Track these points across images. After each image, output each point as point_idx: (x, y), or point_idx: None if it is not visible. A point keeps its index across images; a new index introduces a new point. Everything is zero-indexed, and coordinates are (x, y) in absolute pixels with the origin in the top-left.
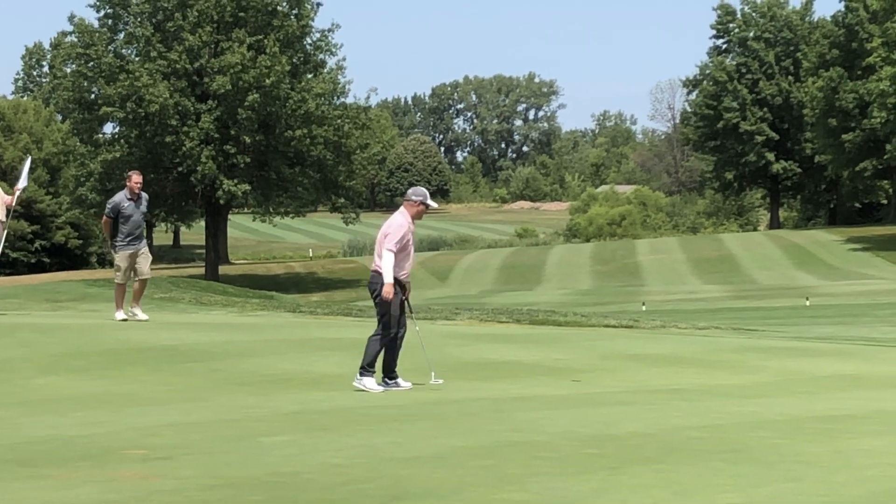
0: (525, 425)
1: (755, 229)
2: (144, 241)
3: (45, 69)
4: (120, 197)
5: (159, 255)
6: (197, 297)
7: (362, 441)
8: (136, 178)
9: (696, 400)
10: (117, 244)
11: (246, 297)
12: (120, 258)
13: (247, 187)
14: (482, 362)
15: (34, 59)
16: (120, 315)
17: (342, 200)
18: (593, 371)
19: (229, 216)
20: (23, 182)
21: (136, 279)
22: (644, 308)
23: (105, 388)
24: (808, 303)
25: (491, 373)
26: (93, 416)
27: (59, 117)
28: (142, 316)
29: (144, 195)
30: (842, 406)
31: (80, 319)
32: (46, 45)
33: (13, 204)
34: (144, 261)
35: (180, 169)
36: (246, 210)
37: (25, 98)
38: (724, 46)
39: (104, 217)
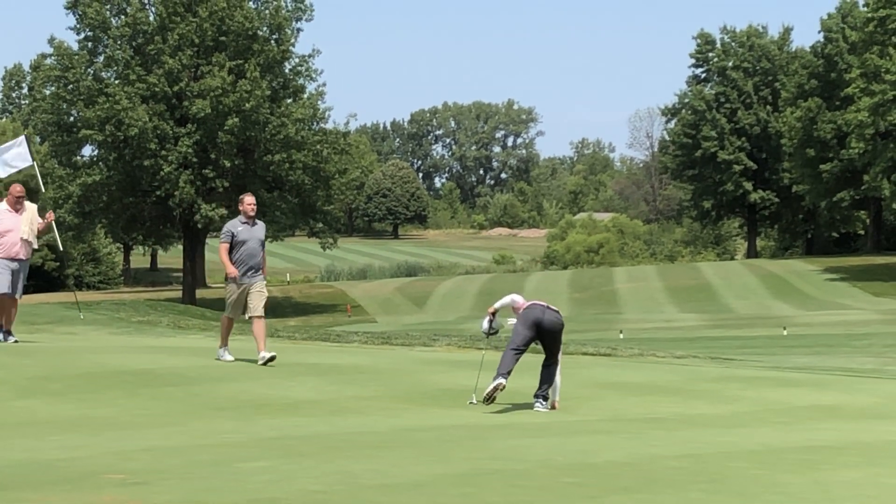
0: (504, 453)
1: (732, 258)
2: (262, 275)
3: (25, 91)
4: (234, 221)
5: (136, 278)
6: (175, 320)
7: (341, 468)
8: (248, 200)
9: (674, 429)
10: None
11: None
12: (230, 290)
13: (224, 211)
14: (460, 389)
15: (14, 81)
16: (226, 355)
17: (320, 225)
18: (571, 399)
19: (207, 240)
20: (19, 161)
21: (250, 317)
22: (622, 336)
23: (82, 412)
24: (785, 332)
25: (469, 401)
26: (70, 440)
27: (39, 139)
28: (269, 354)
29: (261, 222)
30: (820, 437)
31: (58, 343)
32: (26, 67)
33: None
34: (258, 298)
35: (158, 193)
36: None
37: (4, 120)
38: (703, 75)
39: (220, 244)
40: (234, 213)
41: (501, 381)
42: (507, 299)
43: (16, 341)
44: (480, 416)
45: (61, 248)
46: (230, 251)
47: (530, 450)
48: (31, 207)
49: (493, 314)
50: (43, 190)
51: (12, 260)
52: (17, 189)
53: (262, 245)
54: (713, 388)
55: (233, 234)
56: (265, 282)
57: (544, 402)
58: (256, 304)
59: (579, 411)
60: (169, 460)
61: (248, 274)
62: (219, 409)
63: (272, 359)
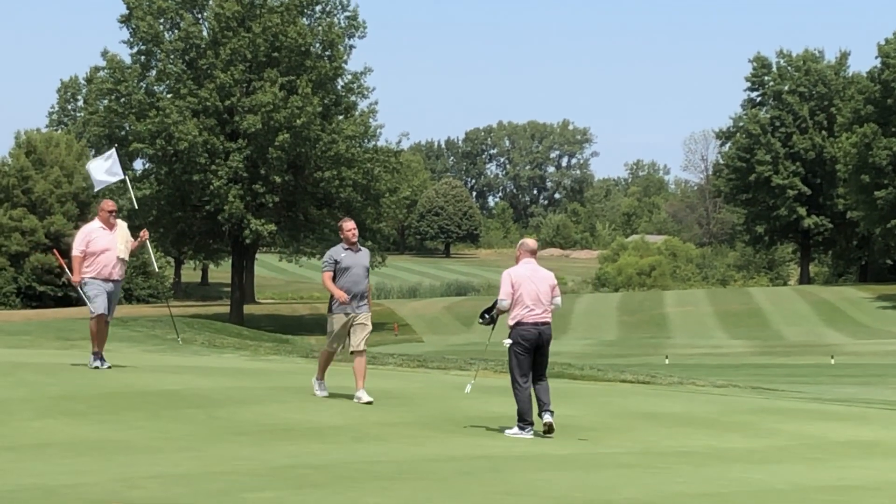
0: (521, 487)
1: (785, 284)
2: (367, 304)
3: (80, 103)
4: (337, 248)
5: (187, 292)
6: (210, 339)
7: (351, 500)
8: (348, 226)
9: (702, 464)
10: (333, 304)
11: (260, 341)
12: (335, 321)
13: (272, 227)
14: (489, 417)
15: (69, 93)
16: (320, 390)
17: (369, 244)
18: (601, 429)
19: (257, 255)
20: (109, 175)
21: (351, 352)
22: (667, 361)
23: (99, 434)
24: (832, 361)
25: (496, 429)
26: (81, 464)
27: (92, 152)
28: (366, 398)
29: (365, 248)
30: (853, 475)
31: (87, 360)
32: (82, 80)
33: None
34: (362, 331)
35: (208, 207)
36: (273, 249)
37: (59, 132)
38: (759, 99)
39: (323, 272)
40: (283, 228)
41: (531, 436)
42: (502, 304)
43: (109, 367)
44: (504, 446)
45: (156, 269)
46: (333, 279)
47: (550, 484)
48: (121, 224)
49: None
50: (136, 206)
51: (107, 281)
52: (109, 205)
53: (368, 272)
54: (749, 420)
55: (336, 260)
56: (370, 312)
57: (552, 415)
58: (359, 338)
59: (608, 443)
60: (175, 489)
61: (354, 303)
62: (238, 434)
63: (369, 403)
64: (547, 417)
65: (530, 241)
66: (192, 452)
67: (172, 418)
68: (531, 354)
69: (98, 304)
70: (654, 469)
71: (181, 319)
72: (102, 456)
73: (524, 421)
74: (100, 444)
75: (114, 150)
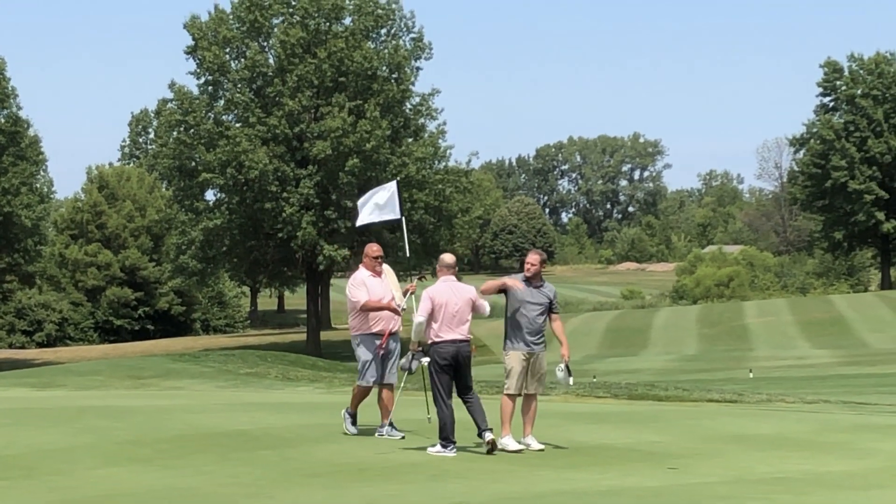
0: None
1: (866, 290)
2: (544, 345)
3: (151, 136)
4: (521, 287)
5: (264, 320)
6: (284, 371)
7: None
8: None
9: (802, 492)
10: (510, 341)
11: (335, 372)
12: (511, 358)
13: (346, 252)
14: (573, 446)
15: (140, 126)
16: (511, 444)
17: None
18: (692, 456)
19: (332, 280)
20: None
21: (525, 393)
22: (751, 375)
23: (165, 482)
24: None
25: (580, 459)
26: None
27: (165, 184)
28: (536, 445)
29: (550, 285)
30: None
31: (157, 400)
32: (152, 112)
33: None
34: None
35: (280, 235)
36: (347, 275)
37: (130, 165)
38: (832, 104)
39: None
40: (357, 253)
41: (454, 453)
42: (418, 320)
43: (402, 437)
44: (590, 479)
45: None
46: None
47: None
48: (388, 270)
49: (420, 349)
50: (408, 253)
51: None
52: (374, 249)
53: (544, 312)
54: (845, 439)
55: (520, 299)
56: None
57: (492, 432)
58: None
59: (699, 471)
60: None
61: (532, 340)
62: (312, 476)
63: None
64: (487, 436)
65: (448, 257)
66: (263, 499)
67: (242, 461)
68: (450, 374)
69: (368, 376)
70: (753, 500)
71: (254, 352)
72: None
73: (447, 440)
74: (165, 494)
75: (395, 182)
